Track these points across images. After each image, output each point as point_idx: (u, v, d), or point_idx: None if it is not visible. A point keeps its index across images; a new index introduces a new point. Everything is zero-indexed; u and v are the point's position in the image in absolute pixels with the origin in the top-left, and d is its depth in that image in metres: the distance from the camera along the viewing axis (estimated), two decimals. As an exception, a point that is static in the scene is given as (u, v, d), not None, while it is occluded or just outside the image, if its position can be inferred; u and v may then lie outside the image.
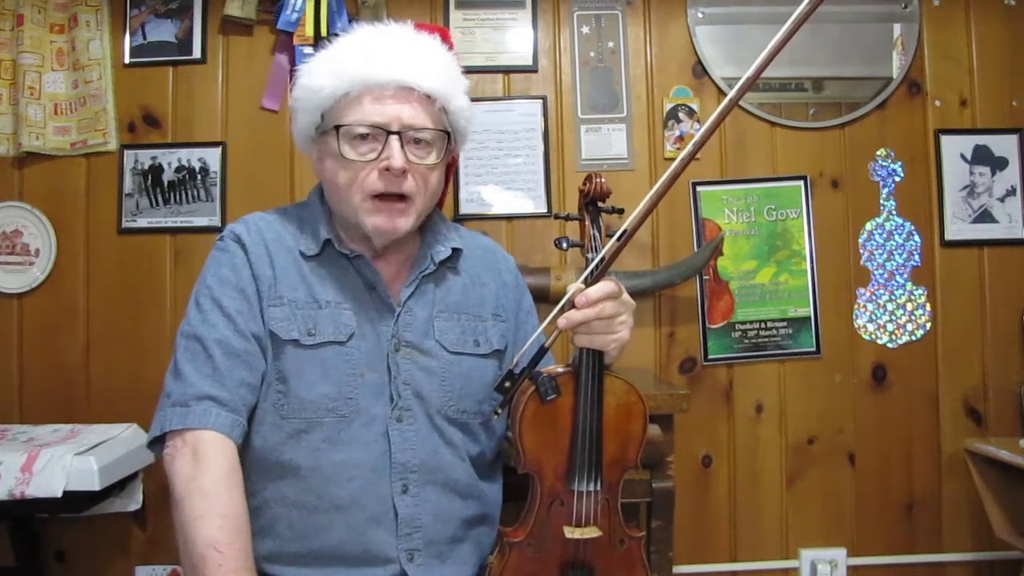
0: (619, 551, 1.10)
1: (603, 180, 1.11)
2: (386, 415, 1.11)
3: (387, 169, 1.07)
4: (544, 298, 1.93)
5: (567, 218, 1.14)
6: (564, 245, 1.11)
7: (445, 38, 1.20)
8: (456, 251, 1.22)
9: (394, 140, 1.08)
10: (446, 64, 1.15)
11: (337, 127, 1.09)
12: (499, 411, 1.06)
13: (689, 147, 1.01)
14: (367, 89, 1.08)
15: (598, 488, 1.06)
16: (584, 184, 1.12)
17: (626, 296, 1.07)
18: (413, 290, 1.17)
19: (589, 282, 1.03)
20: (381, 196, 1.10)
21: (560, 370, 1.07)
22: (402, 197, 1.10)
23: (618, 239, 1.02)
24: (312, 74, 1.12)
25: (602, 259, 1.04)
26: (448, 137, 1.14)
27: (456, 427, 1.15)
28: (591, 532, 1.06)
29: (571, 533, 1.06)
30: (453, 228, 1.27)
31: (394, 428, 1.11)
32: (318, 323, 1.11)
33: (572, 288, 1.03)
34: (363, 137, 1.09)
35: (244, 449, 1.11)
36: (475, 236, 1.32)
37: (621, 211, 1.10)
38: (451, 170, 1.30)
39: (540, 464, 1.07)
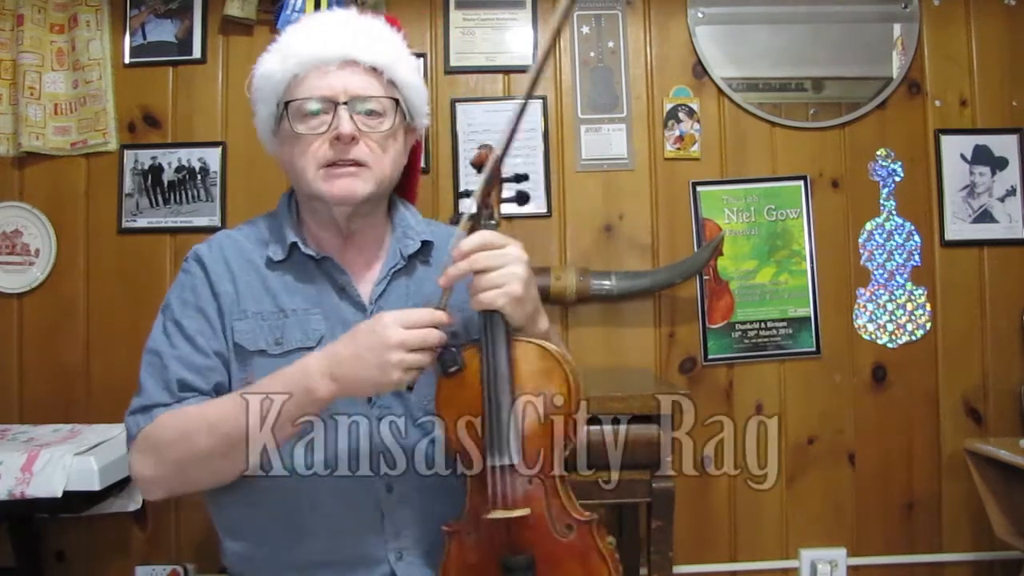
0: (567, 538, 1.02)
1: (487, 150, 1.06)
2: (367, 415, 1.10)
3: (337, 138, 1.08)
4: (544, 298, 1.92)
5: (466, 194, 1.10)
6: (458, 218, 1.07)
7: (392, 22, 1.22)
8: (426, 244, 1.21)
9: (342, 109, 1.08)
10: (390, 40, 1.16)
11: (287, 104, 1.10)
12: (411, 387, 1.02)
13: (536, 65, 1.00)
14: (313, 67, 1.09)
15: (512, 461, 1.00)
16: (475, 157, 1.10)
17: (512, 248, 1.02)
18: (384, 288, 1.16)
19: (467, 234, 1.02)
20: (334, 164, 1.10)
21: (469, 342, 1.05)
22: (356, 164, 1.10)
23: (486, 171, 1.01)
24: (263, 63, 1.13)
25: (476, 198, 1.02)
26: (398, 104, 1.13)
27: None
28: (515, 512, 0.99)
29: (493, 514, 0.99)
30: (424, 222, 1.26)
31: (375, 427, 1.10)
32: (285, 332, 1.11)
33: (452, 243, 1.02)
34: (315, 114, 1.09)
35: (227, 487, 1.12)
36: (450, 229, 1.29)
37: (525, 177, 1.08)
38: (417, 156, 1.30)
39: (463, 444, 1.02)
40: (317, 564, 1.09)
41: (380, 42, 1.14)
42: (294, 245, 1.15)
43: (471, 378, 1.01)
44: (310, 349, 1.09)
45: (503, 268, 1.00)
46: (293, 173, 1.13)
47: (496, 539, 1.01)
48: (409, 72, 1.15)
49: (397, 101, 1.13)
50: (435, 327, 0.99)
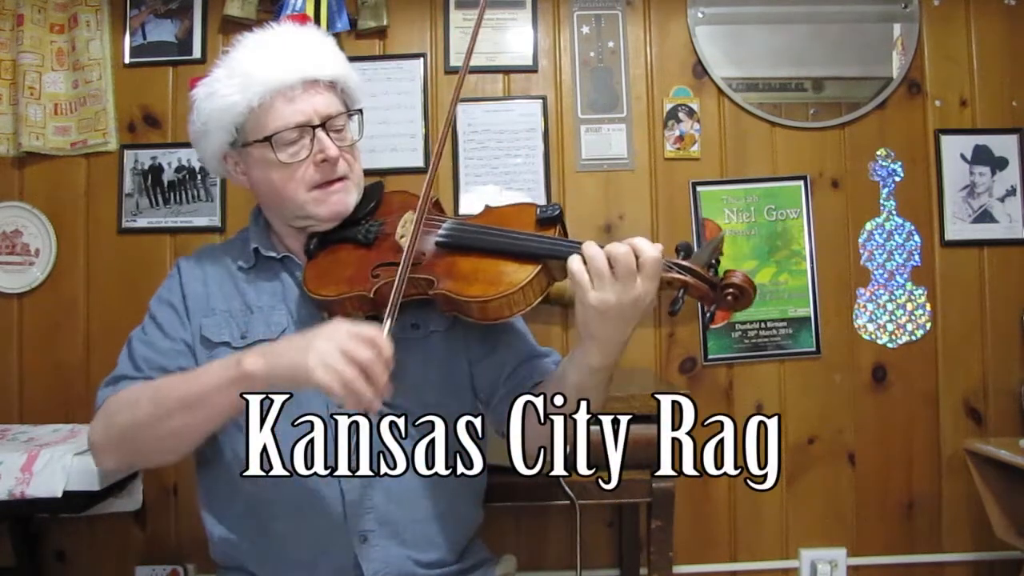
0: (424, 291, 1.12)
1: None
2: (326, 403, 1.13)
3: (324, 161, 1.14)
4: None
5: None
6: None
7: (303, 20, 1.30)
8: None
9: (320, 132, 1.14)
10: (334, 49, 1.23)
11: (267, 138, 1.13)
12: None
13: None
14: (278, 92, 1.13)
15: (443, 240, 1.12)
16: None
17: (643, 300, 0.99)
18: None
19: None
20: (322, 185, 1.16)
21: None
22: (340, 179, 1.17)
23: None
24: (218, 94, 1.15)
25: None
26: (360, 113, 1.22)
27: (393, 410, 1.15)
28: (402, 242, 1.12)
29: (400, 230, 1.15)
30: None
31: (334, 413, 1.12)
32: (250, 326, 1.18)
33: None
34: (293, 141, 1.14)
35: (212, 471, 1.17)
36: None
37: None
38: None
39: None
40: (282, 550, 1.12)
41: (331, 55, 1.21)
42: (256, 250, 1.22)
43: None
44: (272, 340, 1.15)
45: (626, 285, 0.95)
46: (277, 197, 1.18)
47: (377, 256, 1.13)
48: (355, 78, 1.24)
49: (360, 111, 1.22)
50: (377, 351, 0.94)
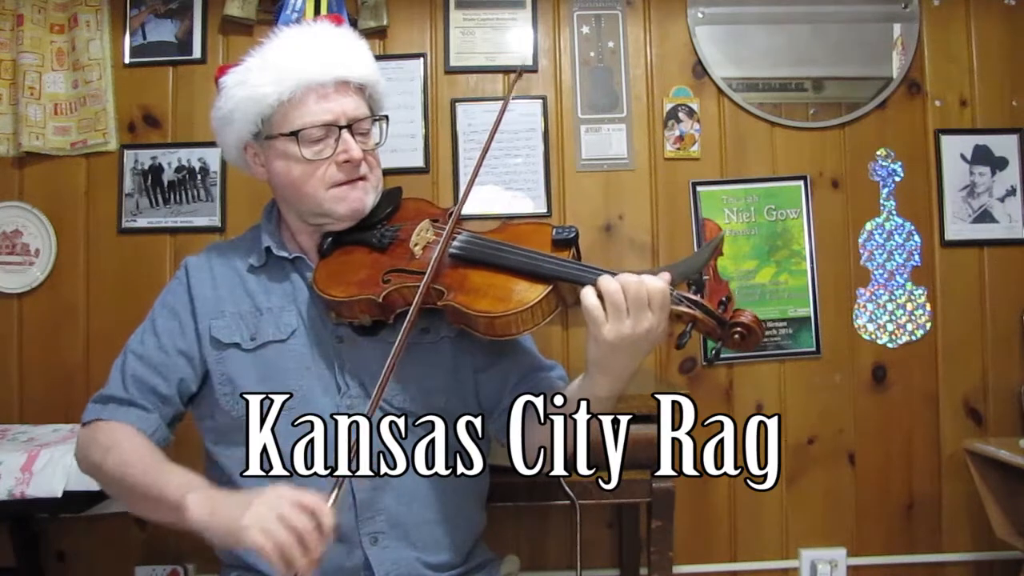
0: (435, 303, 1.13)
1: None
2: (336, 406, 1.13)
3: (347, 161, 1.15)
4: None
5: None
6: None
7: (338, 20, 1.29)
8: None
9: (346, 134, 1.15)
10: (367, 53, 1.24)
11: (294, 133, 1.14)
12: None
13: None
14: (310, 89, 1.15)
15: (456, 251, 1.13)
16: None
17: (654, 333, 1.01)
18: None
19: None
20: (342, 183, 1.17)
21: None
22: (360, 179, 1.18)
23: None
24: (250, 84, 1.16)
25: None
26: (386, 120, 1.24)
27: (403, 415, 1.16)
28: (418, 251, 1.15)
29: (415, 236, 1.16)
30: None
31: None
32: (260, 327, 1.17)
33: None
34: (319, 139, 1.15)
35: (222, 476, 1.16)
36: None
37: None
38: None
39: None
40: None
41: (364, 59, 1.22)
42: (268, 249, 1.22)
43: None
44: (282, 342, 1.16)
45: (638, 317, 0.97)
46: (296, 193, 1.18)
47: (390, 262, 1.14)
48: (384, 83, 1.26)
49: (386, 117, 1.23)
50: (316, 521, 0.91)
